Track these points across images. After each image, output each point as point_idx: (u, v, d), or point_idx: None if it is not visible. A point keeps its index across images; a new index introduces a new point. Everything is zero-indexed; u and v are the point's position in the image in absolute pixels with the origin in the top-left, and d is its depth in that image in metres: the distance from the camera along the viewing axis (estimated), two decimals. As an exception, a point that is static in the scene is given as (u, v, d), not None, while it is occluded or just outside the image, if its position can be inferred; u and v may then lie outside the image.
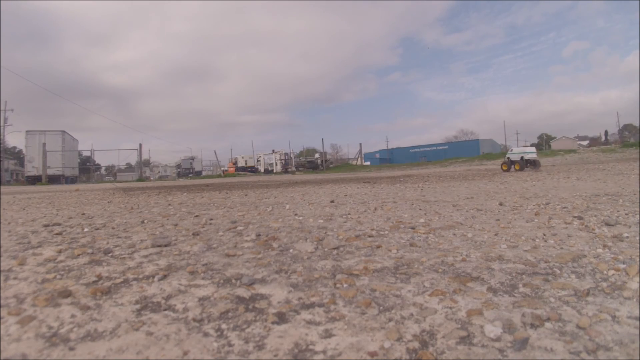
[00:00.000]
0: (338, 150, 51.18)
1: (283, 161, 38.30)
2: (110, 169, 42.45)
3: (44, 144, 25.08)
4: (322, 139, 54.44)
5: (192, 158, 43.07)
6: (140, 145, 28.60)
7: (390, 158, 47.97)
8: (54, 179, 24.88)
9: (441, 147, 45.87)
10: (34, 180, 24.51)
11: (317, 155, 40.23)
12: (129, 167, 37.09)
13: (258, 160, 39.39)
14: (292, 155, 40.89)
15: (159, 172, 43.30)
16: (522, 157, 13.48)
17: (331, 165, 41.49)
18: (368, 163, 46.34)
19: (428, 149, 47.10)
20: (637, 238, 1.75)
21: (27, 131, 24.98)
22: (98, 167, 35.56)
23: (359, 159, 37.00)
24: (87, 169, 34.82)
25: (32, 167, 25.45)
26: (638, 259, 1.46)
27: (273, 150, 40.10)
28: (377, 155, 50.99)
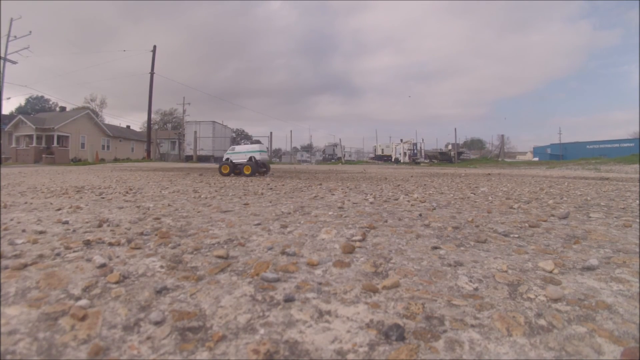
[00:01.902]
0: (506, 142, 48.06)
1: (410, 151, 38.44)
2: (277, 152, 53.49)
3: (195, 132, 32.37)
4: (455, 129, 52.22)
5: (335, 145, 49.33)
6: (271, 133, 33.48)
7: (563, 154, 43.42)
8: (204, 159, 32.11)
9: (625, 145, 39.03)
10: (188, 158, 32.22)
11: (449, 147, 38.60)
12: (295, 151, 46.53)
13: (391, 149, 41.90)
14: (422, 146, 40.30)
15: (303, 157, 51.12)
16: (251, 158, 9.54)
17: (471, 157, 39.17)
18: (537, 159, 43.29)
19: (609, 145, 41.33)
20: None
21: (186, 122, 33.00)
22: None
23: (501, 152, 34.51)
24: None
25: (190, 149, 33.38)
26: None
27: (401, 140, 40.68)
28: (549, 151, 49.21)
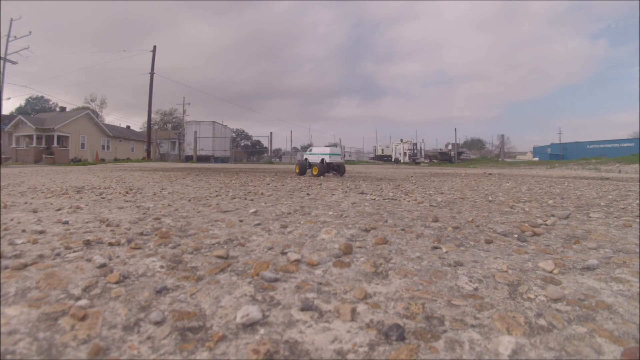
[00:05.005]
0: (506, 142, 48.15)
1: (410, 151, 38.47)
2: (277, 152, 53.85)
3: (195, 132, 32.53)
4: (455, 129, 52.44)
5: (335, 144, 49.98)
6: (271, 133, 33.60)
7: (563, 154, 43.77)
8: (204, 159, 32.25)
9: (625, 144, 39.25)
10: (188, 158, 32.41)
11: (450, 147, 38.62)
12: (295, 151, 47.44)
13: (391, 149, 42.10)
14: (422, 146, 40.31)
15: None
16: (322, 160, 9.91)
17: (471, 157, 39.23)
18: (537, 159, 43.75)
19: (609, 145, 41.40)
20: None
21: (186, 122, 33.64)
22: (264, 150, 45.39)
23: (501, 152, 34.64)
24: (257, 151, 49.61)
25: (190, 149, 33.51)
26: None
27: (401, 140, 40.75)
28: (549, 151, 49.37)
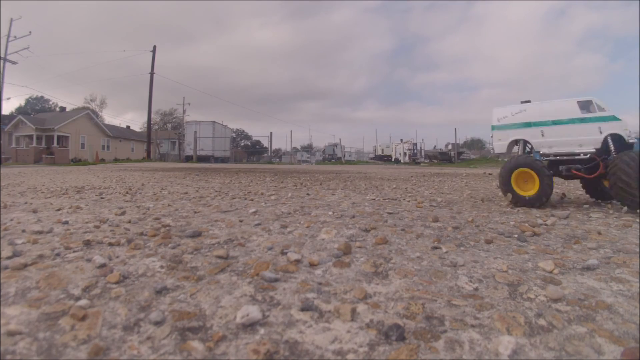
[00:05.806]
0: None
1: (410, 151, 38.45)
2: (277, 152, 54.03)
3: (195, 132, 32.65)
4: (455, 129, 52.54)
5: (335, 145, 49.70)
6: (271, 133, 33.63)
7: None
8: (204, 159, 32.31)
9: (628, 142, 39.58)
10: (188, 158, 32.53)
11: (449, 147, 38.61)
12: (295, 151, 47.43)
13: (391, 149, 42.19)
14: (422, 146, 40.32)
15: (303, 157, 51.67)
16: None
17: (471, 157, 39.22)
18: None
19: (612, 143, 41.26)
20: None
21: (186, 122, 34.00)
22: (264, 150, 45.89)
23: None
24: (257, 151, 49.74)
25: (189, 149, 33.58)
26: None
27: (401, 140, 40.78)
28: None
